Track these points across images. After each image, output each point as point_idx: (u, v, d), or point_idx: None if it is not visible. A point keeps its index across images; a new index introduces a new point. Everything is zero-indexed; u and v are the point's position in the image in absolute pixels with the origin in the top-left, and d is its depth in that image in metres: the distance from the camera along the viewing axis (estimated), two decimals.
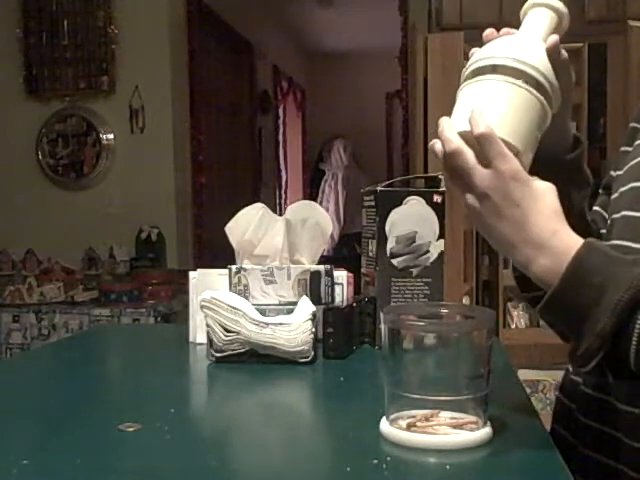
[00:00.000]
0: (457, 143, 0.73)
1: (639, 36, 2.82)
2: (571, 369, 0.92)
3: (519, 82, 0.74)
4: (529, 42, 0.77)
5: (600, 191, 0.98)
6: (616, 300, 0.66)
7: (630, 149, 0.90)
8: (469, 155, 0.72)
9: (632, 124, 0.94)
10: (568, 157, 0.90)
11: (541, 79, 0.75)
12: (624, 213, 0.84)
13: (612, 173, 0.94)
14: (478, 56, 0.78)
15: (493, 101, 0.74)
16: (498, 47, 0.77)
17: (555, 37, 0.78)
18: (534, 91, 0.75)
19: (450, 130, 0.74)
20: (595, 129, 2.97)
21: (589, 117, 3.01)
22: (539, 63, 0.75)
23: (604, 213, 0.94)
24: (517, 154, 0.73)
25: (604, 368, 0.71)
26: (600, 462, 0.81)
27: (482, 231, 0.77)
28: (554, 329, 0.85)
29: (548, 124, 0.77)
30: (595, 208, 0.97)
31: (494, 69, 0.75)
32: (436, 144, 0.75)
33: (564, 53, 0.79)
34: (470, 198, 0.74)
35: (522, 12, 0.82)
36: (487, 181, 0.72)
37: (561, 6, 0.80)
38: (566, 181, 0.85)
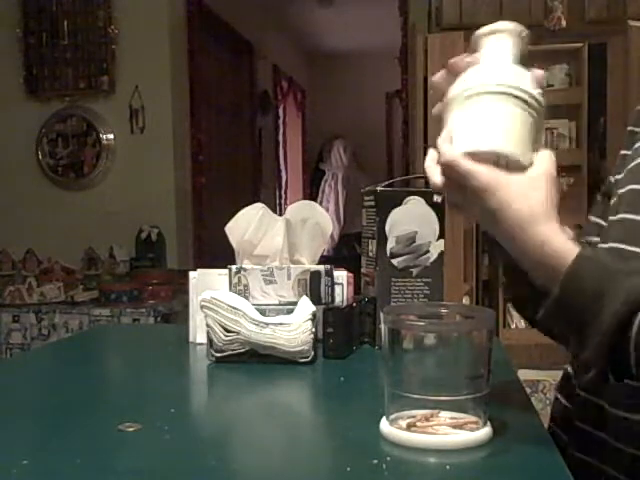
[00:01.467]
0: (432, 179, 0.75)
1: (639, 36, 2.82)
2: (570, 368, 0.92)
3: (497, 94, 0.73)
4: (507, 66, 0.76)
5: (598, 198, 0.97)
6: (613, 312, 0.65)
7: (629, 152, 0.90)
8: (463, 164, 0.73)
9: (629, 128, 0.93)
10: None
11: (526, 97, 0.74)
12: (621, 215, 0.84)
13: (611, 179, 0.93)
14: (463, 86, 0.76)
15: (472, 119, 0.74)
16: (481, 75, 0.75)
17: (542, 72, 0.78)
18: (518, 94, 0.73)
19: (428, 169, 0.75)
20: (595, 129, 2.97)
21: (589, 117, 3.01)
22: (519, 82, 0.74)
23: (602, 222, 0.92)
24: (516, 160, 0.72)
25: (608, 373, 0.71)
26: (588, 463, 0.82)
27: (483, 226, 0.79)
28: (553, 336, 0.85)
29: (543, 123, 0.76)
30: (591, 219, 0.96)
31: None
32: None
33: None
34: (460, 211, 0.77)
35: (481, 35, 0.80)
36: (467, 201, 0.74)
37: (523, 30, 0.80)
38: None
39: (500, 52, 0.78)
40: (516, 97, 0.73)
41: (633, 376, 0.68)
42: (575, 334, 0.70)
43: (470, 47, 0.80)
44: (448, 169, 0.73)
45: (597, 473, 0.81)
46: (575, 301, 0.68)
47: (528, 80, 0.75)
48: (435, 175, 0.75)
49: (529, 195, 0.71)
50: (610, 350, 0.66)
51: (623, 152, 0.92)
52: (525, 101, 0.73)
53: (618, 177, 0.90)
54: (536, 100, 0.74)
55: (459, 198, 0.75)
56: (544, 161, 0.73)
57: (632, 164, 0.86)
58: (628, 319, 0.65)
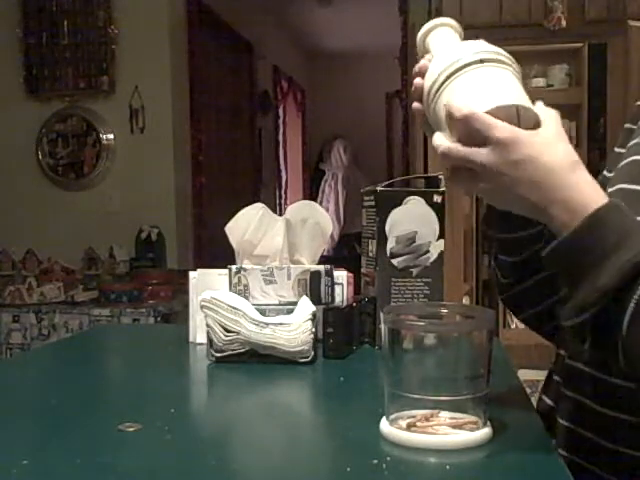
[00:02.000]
0: (442, 143, 0.73)
1: (639, 36, 2.82)
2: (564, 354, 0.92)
3: (478, 65, 0.75)
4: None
5: None
6: (625, 261, 0.65)
7: (624, 150, 0.90)
8: (460, 147, 0.72)
9: (627, 125, 0.93)
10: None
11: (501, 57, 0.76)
12: None
13: (606, 174, 0.93)
14: (438, 69, 0.77)
15: (468, 89, 0.74)
16: (451, 55, 0.77)
17: None
18: (497, 63, 0.75)
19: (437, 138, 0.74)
20: (595, 129, 2.98)
21: (589, 117, 3.01)
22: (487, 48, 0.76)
23: None
24: (517, 112, 0.72)
25: (585, 335, 0.70)
26: (574, 462, 0.82)
27: (503, 206, 0.77)
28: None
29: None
30: None
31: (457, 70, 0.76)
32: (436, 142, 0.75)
33: None
34: (481, 185, 0.73)
35: (423, 35, 0.85)
36: (491, 156, 0.70)
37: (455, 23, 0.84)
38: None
39: (449, 38, 0.82)
40: (497, 60, 0.75)
41: (613, 343, 0.68)
42: (580, 273, 0.68)
43: (417, 54, 0.82)
44: (468, 123, 0.71)
45: (581, 471, 0.81)
46: (592, 241, 0.68)
47: (490, 46, 0.77)
48: (439, 139, 0.73)
49: (556, 146, 0.71)
50: (612, 297, 0.66)
51: (617, 149, 0.92)
52: (503, 62, 0.75)
53: (610, 175, 0.90)
54: (509, 58, 0.76)
55: (477, 156, 0.71)
56: (554, 118, 0.73)
57: (623, 162, 0.86)
58: (635, 273, 0.65)
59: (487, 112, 0.71)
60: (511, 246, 0.91)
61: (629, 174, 0.84)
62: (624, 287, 0.66)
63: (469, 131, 0.71)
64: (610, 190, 0.85)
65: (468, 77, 0.74)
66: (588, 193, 0.70)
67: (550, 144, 0.71)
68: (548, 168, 0.70)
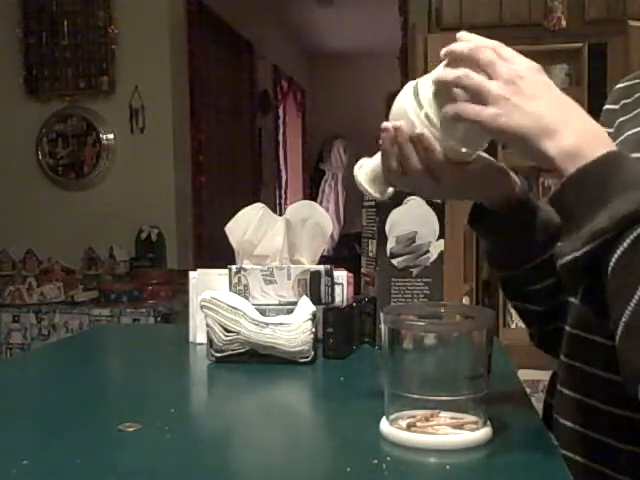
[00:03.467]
0: (476, 40, 0.74)
1: (639, 36, 2.82)
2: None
3: None
4: None
5: None
6: (624, 211, 0.64)
7: (611, 130, 0.89)
8: (471, 74, 0.73)
9: (607, 106, 0.94)
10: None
11: None
12: None
13: None
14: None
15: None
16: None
17: None
18: None
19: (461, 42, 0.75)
20: None
21: None
22: None
23: None
24: None
25: (576, 284, 0.70)
26: (573, 460, 0.82)
27: (513, 119, 0.71)
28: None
29: None
30: None
31: None
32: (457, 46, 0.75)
33: None
34: (496, 86, 0.71)
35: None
36: (516, 66, 0.72)
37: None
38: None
39: None
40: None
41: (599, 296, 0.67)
42: (595, 204, 0.66)
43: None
44: (498, 49, 0.73)
45: (584, 470, 0.81)
46: (617, 169, 0.66)
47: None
48: (469, 37, 0.76)
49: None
50: (625, 226, 0.64)
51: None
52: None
53: None
54: None
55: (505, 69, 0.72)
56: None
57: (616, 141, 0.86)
58: (632, 220, 0.64)
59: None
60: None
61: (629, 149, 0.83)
62: (617, 234, 0.64)
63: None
64: None
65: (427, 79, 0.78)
66: (603, 131, 0.71)
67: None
68: (564, 97, 0.71)
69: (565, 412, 0.86)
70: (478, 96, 0.72)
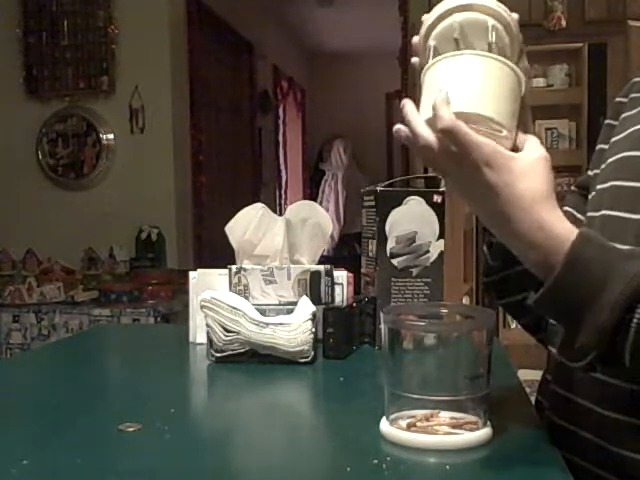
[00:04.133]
0: (426, 139, 0.69)
1: (639, 36, 2.82)
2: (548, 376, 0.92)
3: (489, 54, 0.71)
4: None
5: (573, 188, 0.96)
6: (617, 295, 0.64)
7: (606, 147, 0.89)
8: (438, 150, 0.69)
9: (607, 121, 0.93)
10: None
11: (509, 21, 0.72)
12: (604, 212, 0.82)
13: (589, 172, 0.92)
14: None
15: (467, 77, 0.70)
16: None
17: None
18: (503, 59, 0.71)
19: (416, 122, 0.69)
20: (595, 129, 2.97)
21: (589, 117, 3.01)
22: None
23: (576, 214, 0.91)
24: (501, 131, 0.70)
25: (594, 363, 0.70)
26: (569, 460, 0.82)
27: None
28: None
29: (523, 92, 0.73)
30: (565, 209, 0.93)
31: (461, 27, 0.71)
32: (401, 131, 0.71)
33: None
34: (450, 182, 0.72)
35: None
36: (462, 172, 0.69)
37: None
38: None
39: None
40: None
41: (622, 364, 0.67)
42: (572, 317, 0.68)
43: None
44: (447, 136, 0.67)
45: (581, 470, 0.81)
46: (576, 283, 0.66)
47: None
48: (424, 132, 0.69)
49: (532, 176, 0.69)
50: (611, 334, 0.65)
51: (600, 146, 0.91)
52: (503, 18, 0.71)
53: (596, 171, 0.89)
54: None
55: (450, 166, 0.69)
56: (538, 145, 0.72)
57: (611, 159, 0.85)
58: (629, 303, 0.64)
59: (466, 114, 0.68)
60: None
61: (620, 170, 0.83)
62: (621, 321, 0.65)
63: (445, 143, 0.68)
64: (600, 187, 0.85)
65: (475, 60, 0.70)
66: (555, 233, 0.68)
67: (527, 173, 0.69)
68: (519, 197, 0.68)
69: (556, 409, 0.86)
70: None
